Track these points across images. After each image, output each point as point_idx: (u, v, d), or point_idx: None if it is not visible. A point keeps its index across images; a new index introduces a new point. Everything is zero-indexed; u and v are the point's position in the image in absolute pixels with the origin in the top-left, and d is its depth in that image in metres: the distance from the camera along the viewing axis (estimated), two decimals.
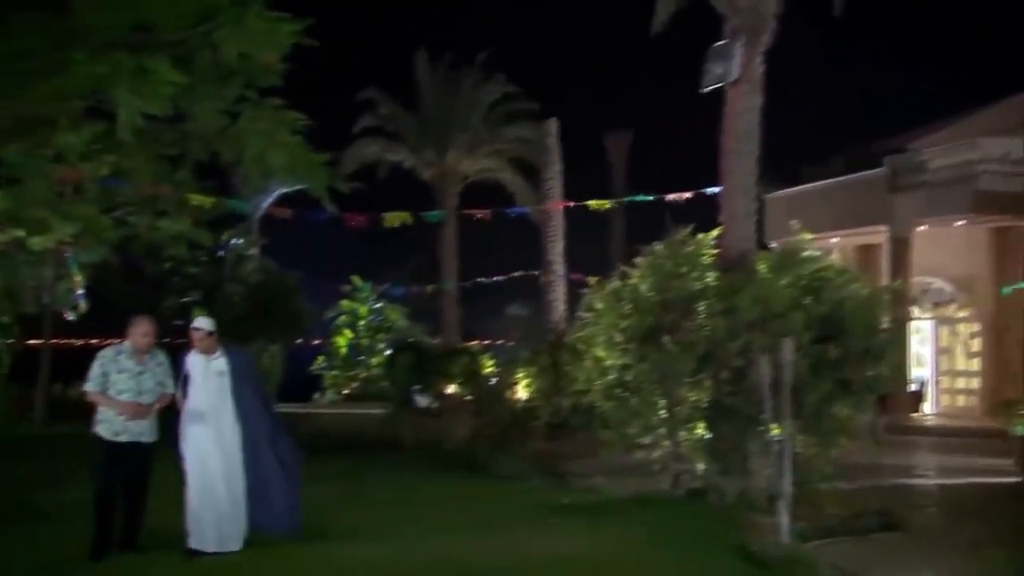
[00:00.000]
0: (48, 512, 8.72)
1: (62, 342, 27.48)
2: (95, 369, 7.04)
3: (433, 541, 7.85)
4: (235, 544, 7.16)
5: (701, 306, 9.50)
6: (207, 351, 7.44)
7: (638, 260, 10.26)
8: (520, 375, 16.48)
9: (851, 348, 8.91)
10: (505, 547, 7.56)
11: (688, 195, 18.36)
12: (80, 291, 23.16)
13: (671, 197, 18.39)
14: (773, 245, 14.08)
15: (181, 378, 7.39)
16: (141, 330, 7.21)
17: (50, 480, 10.52)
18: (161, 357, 7.37)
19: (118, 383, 7.02)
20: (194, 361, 7.43)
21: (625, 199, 19.85)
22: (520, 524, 8.59)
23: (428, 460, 14.16)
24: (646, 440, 9.78)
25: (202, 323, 7.56)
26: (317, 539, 7.64)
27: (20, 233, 18.55)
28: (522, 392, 16.19)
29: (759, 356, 8.34)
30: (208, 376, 7.36)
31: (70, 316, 23.11)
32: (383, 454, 15.33)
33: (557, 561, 7.00)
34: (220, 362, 7.45)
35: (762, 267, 9.76)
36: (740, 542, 7.36)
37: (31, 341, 25.51)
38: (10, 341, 21.87)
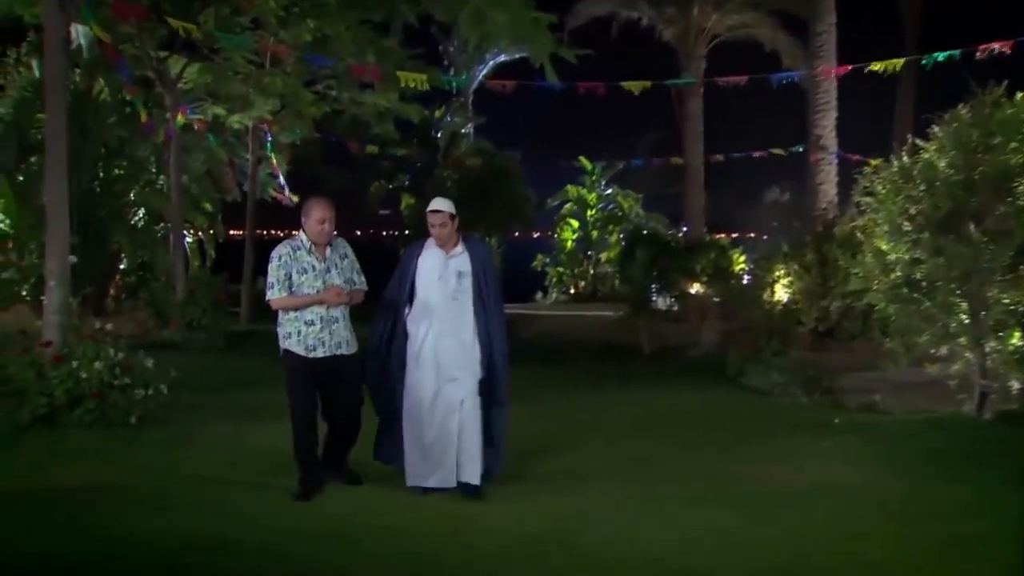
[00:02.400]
0: (250, 414, 9.48)
1: (265, 233, 29.42)
2: (275, 272, 6.54)
3: (684, 460, 7.93)
4: (474, 477, 6.65)
5: (1021, 185, 8.79)
6: (446, 243, 6.77)
7: (934, 130, 9.60)
8: (779, 272, 16.05)
9: None
10: (768, 472, 7.49)
11: (1003, 46, 16.80)
12: (280, 177, 24.56)
13: (981, 49, 16.86)
14: None
15: (405, 273, 6.84)
16: (316, 216, 6.56)
17: (258, 381, 11.36)
18: (345, 248, 6.82)
19: (302, 286, 6.55)
20: (428, 255, 6.82)
21: (920, 57, 18.39)
22: (784, 446, 8.48)
23: (670, 369, 14.29)
24: (942, 351, 9.29)
25: (441, 204, 6.77)
26: (550, 471, 7.83)
27: (220, 111, 19.97)
28: (781, 292, 15.79)
29: None
30: (446, 277, 6.72)
31: (292, 200, 24.43)
32: (617, 362, 15.56)
33: (831, 490, 6.84)
34: (462, 259, 6.77)
35: None
36: None
37: (234, 232, 27.55)
38: (211, 231, 23.67)
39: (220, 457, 7.86)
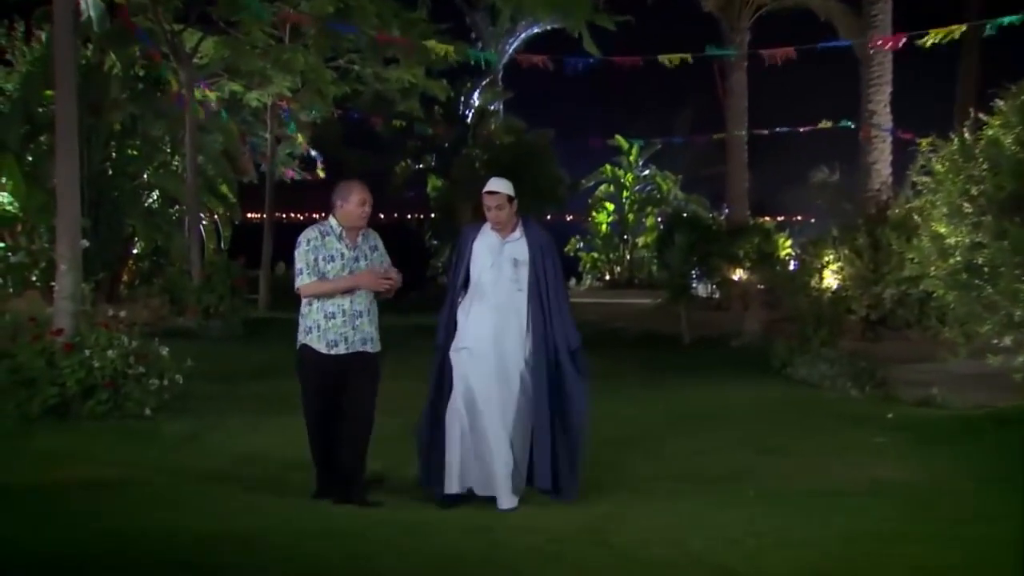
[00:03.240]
0: (268, 405, 9.52)
1: (284, 216, 29.53)
2: (305, 256, 6.30)
3: (726, 456, 7.92)
4: (508, 499, 6.34)
5: None
6: (503, 227, 6.52)
7: (998, 104, 9.48)
8: (828, 258, 15.96)
9: None
10: (815, 470, 7.46)
11: None
12: (312, 151, 24.59)
13: None
14: None
15: (461, 258, 6.59)
16: (357, 198, 6.34)
17: (277, 370, 11.41)
18: (376, 239, 6.58)
19: (328, 275, 6.32)
20: (482, 241, 6.56)
21: (983, 23, 18.07)
22: (833, 442, 8.45)
23: (711, 360, 14.21)
24: (1005, 341, 9.19)
25: (499, 185, 6.50)
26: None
27: (237, 87, 20.05)
28: (831, 279, 15.70)
29: None
30: (500, 265, 6.47)
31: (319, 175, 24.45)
32: (655, 352, 15.52)
33: (883, 490, 6.80)
34: (518, 245, 6.51)
35: None
36: None
37: (251, 215, 27.67)
38: (227, 214, 23.78)
39: (237, 451, 7.91)
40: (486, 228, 6.57)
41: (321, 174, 26.20)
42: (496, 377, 6.35)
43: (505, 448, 6.34)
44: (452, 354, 6.48)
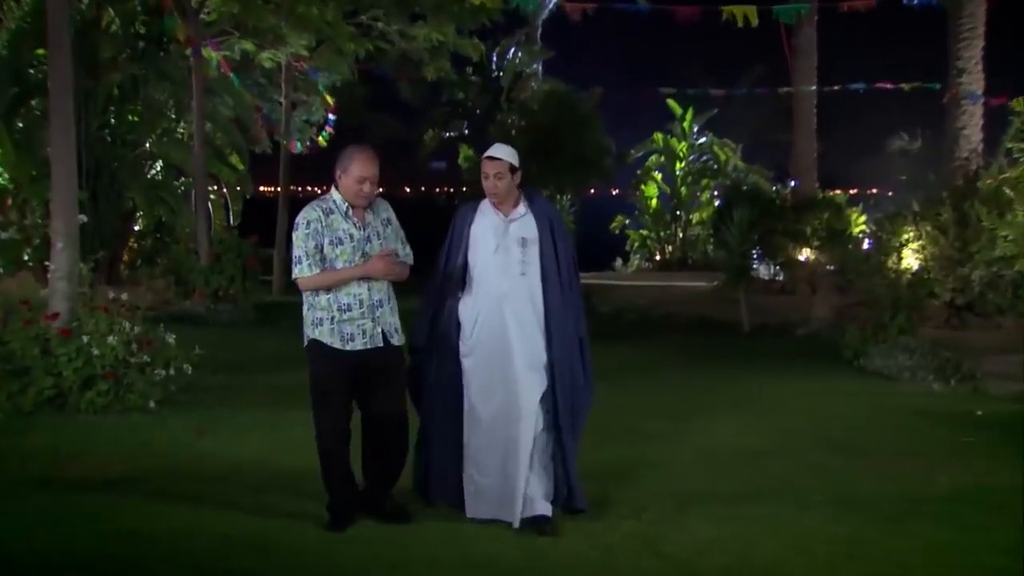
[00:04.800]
0: (284, 397, 9.57)
1: (300, 190, 29.61)
2: (304, 243, 5.91)
3: (795, 457, 7.86)
4: (508, 514, 6.00)
5: None
6: (503, 201, 6.23)
7: None
8: (908, 235, 15.81)
9: None
10: (895, 472, 7.41)
11: None
12: (331, 117, 24.68)
13: None
14: None
15: (456, 246, 6.28)
16: (356, 173, 5.91)
17: (292, 359, 11.46)
18: (388, 211, 6.22)
19: (336, 261, 5.94)
20: (483, 221, 6.26)
21: None
22: (914, 442, 8.40)
23: (774, 350, 14.15)
24: None
25: (501, 151, 6.21)
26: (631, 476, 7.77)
27: (248, 46, 20.10)
28: (910, 259, 15.56)
29: None
30: (505, 245, 6.16)
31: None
32: (712, 341, 15.47)
33: (971, 495, 6.74)
34: (525, 222, 6.20)
35: None
36: None
37: (264, 188, 27.76)
38: (238, 187, 23.89)
39: (250, 447, 7.95)
40: (484, 208, 6.27)
41: (323, 142, 26.13)
42: (515, 379, 6.05)
43: (533, 459, 6.04)
44: (463, 360, 6.20)
